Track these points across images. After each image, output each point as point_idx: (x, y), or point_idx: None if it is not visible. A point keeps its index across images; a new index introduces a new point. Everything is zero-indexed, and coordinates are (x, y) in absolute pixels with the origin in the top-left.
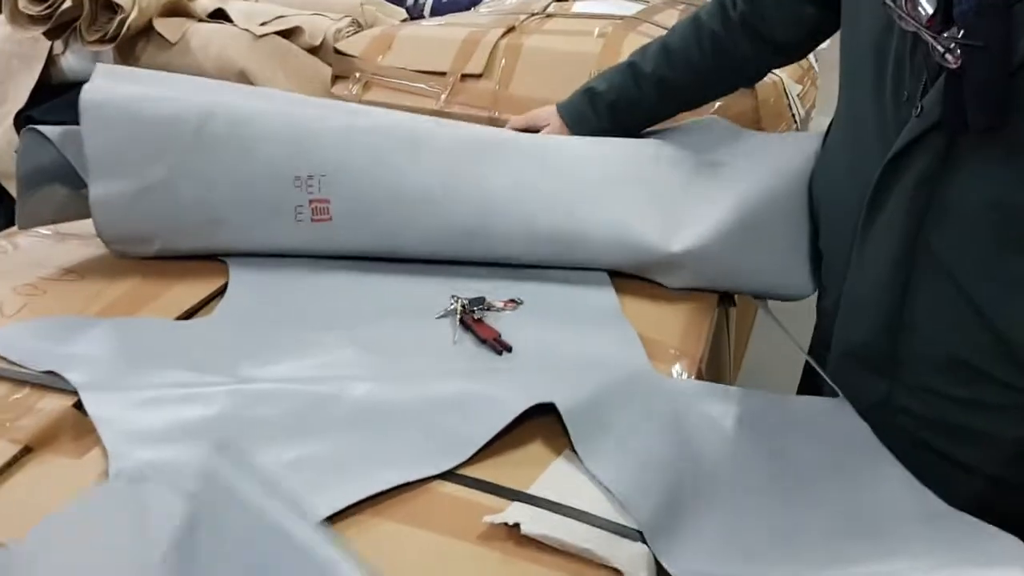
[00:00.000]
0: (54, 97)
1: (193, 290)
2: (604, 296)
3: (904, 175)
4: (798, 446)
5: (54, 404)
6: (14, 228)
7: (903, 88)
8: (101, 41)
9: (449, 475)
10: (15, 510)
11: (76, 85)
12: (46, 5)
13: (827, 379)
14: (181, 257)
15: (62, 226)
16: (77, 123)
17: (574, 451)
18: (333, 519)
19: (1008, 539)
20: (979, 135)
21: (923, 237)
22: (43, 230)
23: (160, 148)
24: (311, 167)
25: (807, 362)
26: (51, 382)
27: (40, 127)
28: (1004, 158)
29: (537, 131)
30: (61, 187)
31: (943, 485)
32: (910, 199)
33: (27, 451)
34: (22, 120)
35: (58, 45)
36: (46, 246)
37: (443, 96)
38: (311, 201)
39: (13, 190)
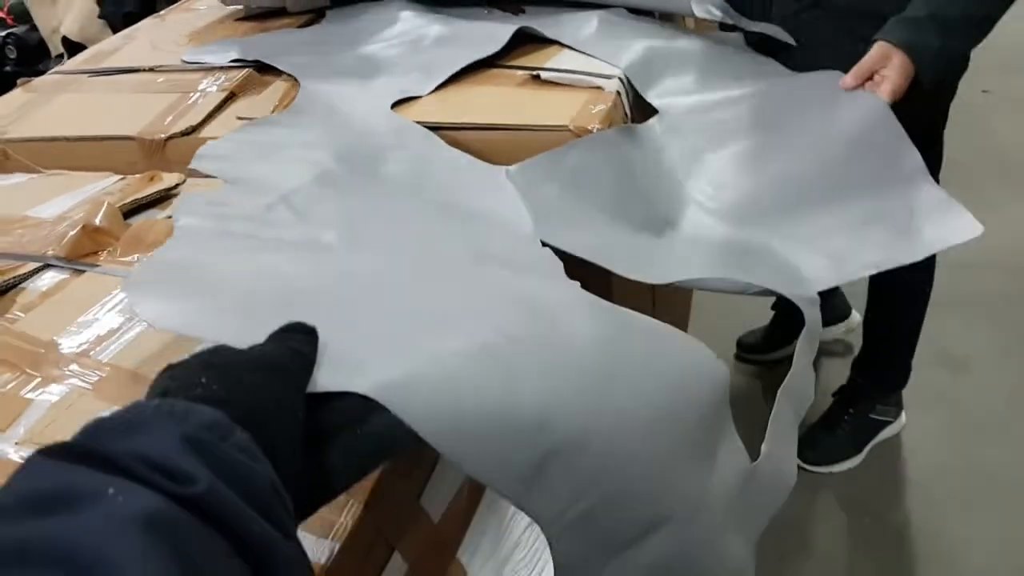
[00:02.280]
0: None
1: (296, 20)
2: None
3: None
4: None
5: (240, 72)
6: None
7: None
8: None
9: (491, 63)
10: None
11: None
12: None
13: None
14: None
15: (194, 4)
16: None
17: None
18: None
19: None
20: None
21: None
22: (180, 13)
23: None
24: None
25: None
26: (235, 65)
27: None
28: None
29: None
30: None
31: (854, 58)
32: None
33: (232, 96)
34: None
35: None
36: (190, 17)
37: None
38: None
39: None
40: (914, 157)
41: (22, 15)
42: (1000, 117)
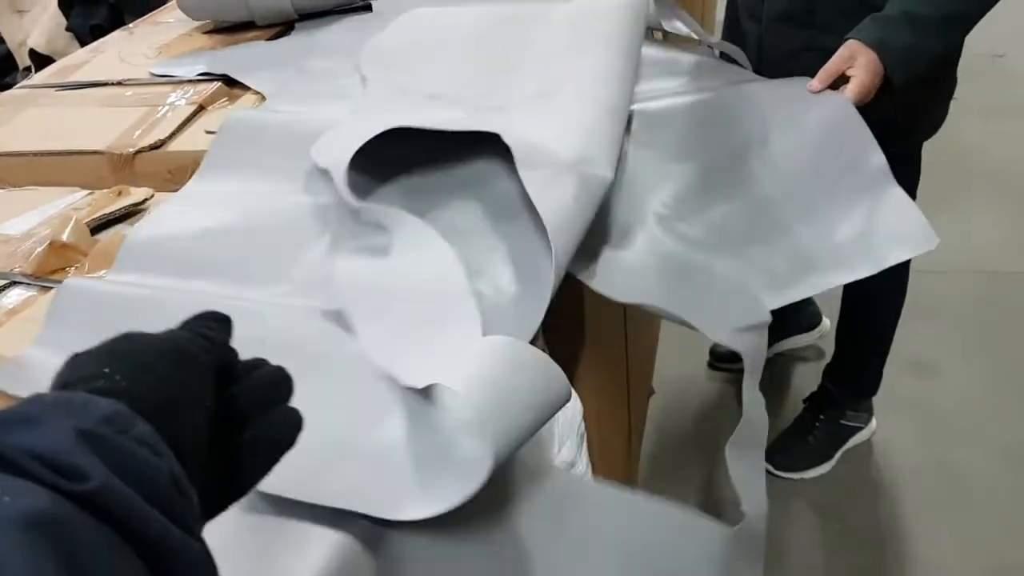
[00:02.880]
0: None
1: (266, 32)
2: None
3: None
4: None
5: (209, 85)
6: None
7: None
8: None
9: None
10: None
11: None
12: None
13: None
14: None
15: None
16: None
17: None
18: None
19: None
20: None
21: None
22: (148, 26)
23: None
24: None
25: None
26: (204, 78)
27: None
28: None
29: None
30: None
31: None
32: None
33: (201, 109)
34: (65, 3)
35: None
36: (159, 29)
37: None
38: None
39: None
40: (878, 159)
41: None
42: (968, 124)
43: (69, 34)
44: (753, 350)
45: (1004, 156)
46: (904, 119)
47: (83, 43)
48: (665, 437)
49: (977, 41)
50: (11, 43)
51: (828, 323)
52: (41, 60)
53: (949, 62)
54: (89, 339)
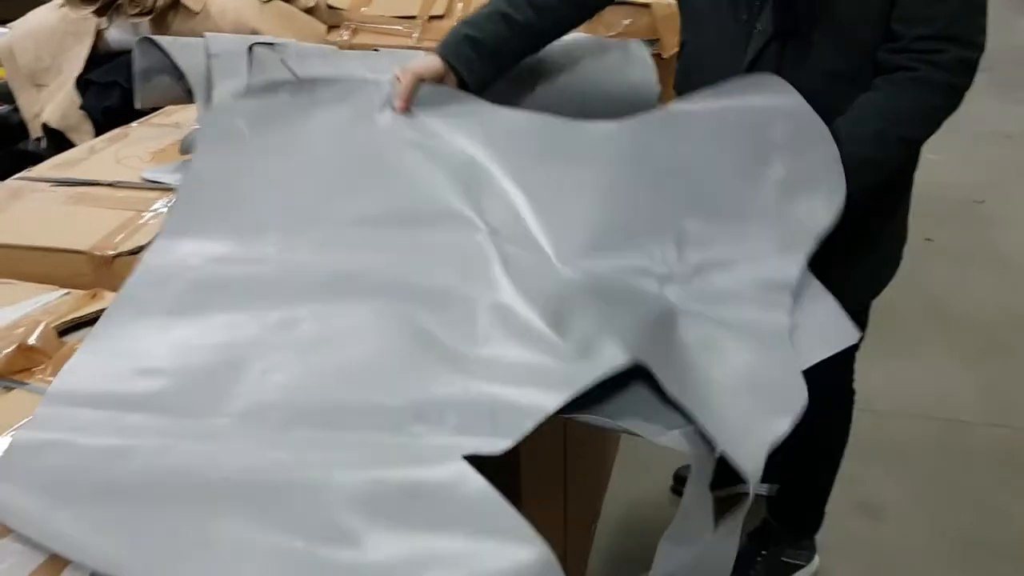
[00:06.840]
0: (102, 65)
1: None
2: None
3: None
4: None
5: None
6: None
7: (741, 13)
8: (140, 14)
9: None
10: None
11: (119, 54)
12: None
13: None
14: None
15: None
16: (127, 83)
17: None
18: None
19: None
20: (799, 43)
21: None
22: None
23: None
24: None
25: None
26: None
27: (153, 36)
28: (810, 59)
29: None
30: (167, 78)
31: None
32: None
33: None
34: (81, 84)
35: (103, 21)
36: (157, 132)
37: (415, 35)
38: None
39: (79, 141)
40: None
41: (5, 96)
42: (940, 267)
43: (82, 112)
44: (700, 454)
45: (974, 304)
46: (846, 277)
47: (95, 123)
48: (616, 560)
49: (958, 187)
50: (26, 114)
51: None
52: (52, 133)
53: (892, 218)
54: None
